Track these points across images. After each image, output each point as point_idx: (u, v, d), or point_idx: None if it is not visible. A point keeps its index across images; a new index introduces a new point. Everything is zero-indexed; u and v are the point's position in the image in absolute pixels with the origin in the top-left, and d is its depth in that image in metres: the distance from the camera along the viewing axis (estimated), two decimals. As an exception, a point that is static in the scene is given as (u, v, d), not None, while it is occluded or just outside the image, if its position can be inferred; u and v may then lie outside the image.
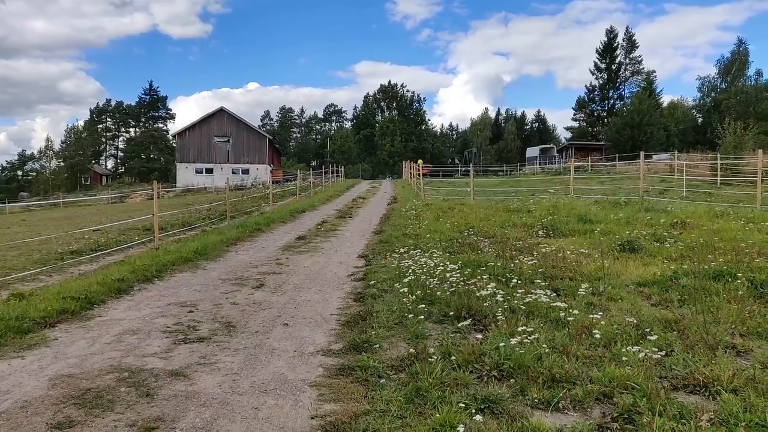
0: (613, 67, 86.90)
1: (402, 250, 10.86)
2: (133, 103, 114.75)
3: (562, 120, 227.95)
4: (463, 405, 4.09)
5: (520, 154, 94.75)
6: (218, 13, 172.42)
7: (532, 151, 74.88)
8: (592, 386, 4.38)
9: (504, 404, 4.18)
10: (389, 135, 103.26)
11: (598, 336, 5.35)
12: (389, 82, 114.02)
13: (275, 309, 7.48)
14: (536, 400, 4.25)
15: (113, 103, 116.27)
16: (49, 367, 5.19)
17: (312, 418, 4.16)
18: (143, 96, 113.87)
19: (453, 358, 5.03)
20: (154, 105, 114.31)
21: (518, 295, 6.78)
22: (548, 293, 6.85)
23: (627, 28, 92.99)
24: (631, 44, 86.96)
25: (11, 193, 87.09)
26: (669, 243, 10.88)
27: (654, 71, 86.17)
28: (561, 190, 26.28)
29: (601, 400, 4.25)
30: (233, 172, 63.28)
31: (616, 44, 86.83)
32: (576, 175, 38.80)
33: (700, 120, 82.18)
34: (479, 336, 5.90)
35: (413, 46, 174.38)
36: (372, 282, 8.72)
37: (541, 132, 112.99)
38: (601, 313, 6.07)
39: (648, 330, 5.50)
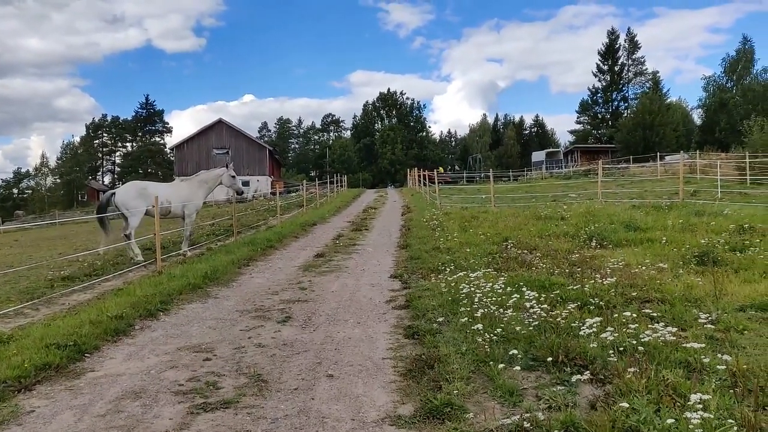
0: (616, 69, 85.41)
1: (444, 269, 9.41)
2: (129, 118, 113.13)
3: (559, 124, 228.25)
4: None
5: (521, 159, 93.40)
6: (212, 27, 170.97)
7: (538, 156, 73.24)
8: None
9: None
10: (390, 143, 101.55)
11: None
12: (388, 89, 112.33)
13: (312, 352, 6.00)
14: None
15: (109, 119, 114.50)
16: (19, 464, 3.70)
17: None
18: (139, 110, 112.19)
19: (588, 436, 3.57)
20: (150, 119, 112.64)
21: (630, 331, 5.27)
22: (666, 327, 5.34)
23: (629, 29, 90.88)
24: (633, 45, 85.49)
25: (7, 212, 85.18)
26: (753, 252, 9.43)
27: (658, 71, 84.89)
28: (583, 195, 24.74)
29: None
30: (233, 185, 61.41)
31: (617, 45, 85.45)
32: (589, 179, 37.52)
33: (699, 121, 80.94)
34: (594, 392, 4.46)
35: (407, 54, 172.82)
36: (420, 312, 7.25)
37: (540, 136, 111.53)
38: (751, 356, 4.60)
39: None
